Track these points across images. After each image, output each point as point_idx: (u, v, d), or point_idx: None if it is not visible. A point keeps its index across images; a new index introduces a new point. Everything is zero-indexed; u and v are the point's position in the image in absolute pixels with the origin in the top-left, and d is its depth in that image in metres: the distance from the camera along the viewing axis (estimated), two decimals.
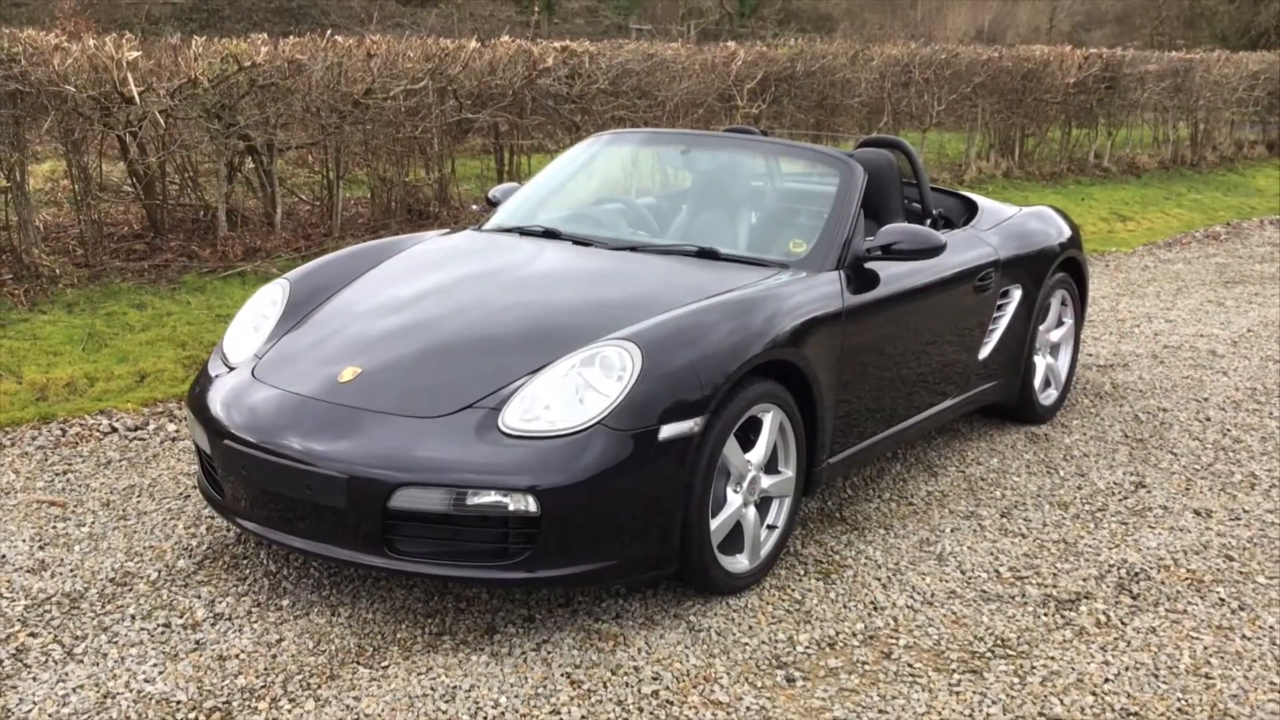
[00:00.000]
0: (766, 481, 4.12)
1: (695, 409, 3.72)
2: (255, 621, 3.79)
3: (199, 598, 3.93)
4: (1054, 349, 6.08)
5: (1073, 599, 4.14)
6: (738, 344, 3.88)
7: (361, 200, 9.43)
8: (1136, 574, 4.33)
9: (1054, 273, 5.81)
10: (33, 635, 3.68)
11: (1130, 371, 6.90)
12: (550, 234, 4.88)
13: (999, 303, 5.46)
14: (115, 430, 5.52)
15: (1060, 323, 6.10)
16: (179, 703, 3.34)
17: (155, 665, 3.52)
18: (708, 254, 4.60)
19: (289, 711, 3.32)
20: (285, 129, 8.56)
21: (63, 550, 4.26)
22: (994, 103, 13.52)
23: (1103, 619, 4.00)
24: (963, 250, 5.25)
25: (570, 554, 3.61)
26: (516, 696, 3.42)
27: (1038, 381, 5.87)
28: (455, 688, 3.45)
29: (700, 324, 3.92)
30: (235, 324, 4.45)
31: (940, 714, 3.43)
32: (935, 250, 4.63)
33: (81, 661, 3.54)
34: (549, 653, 3.66)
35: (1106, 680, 3.63)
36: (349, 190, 9.48)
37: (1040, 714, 3.45)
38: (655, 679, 3.55)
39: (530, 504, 3.52)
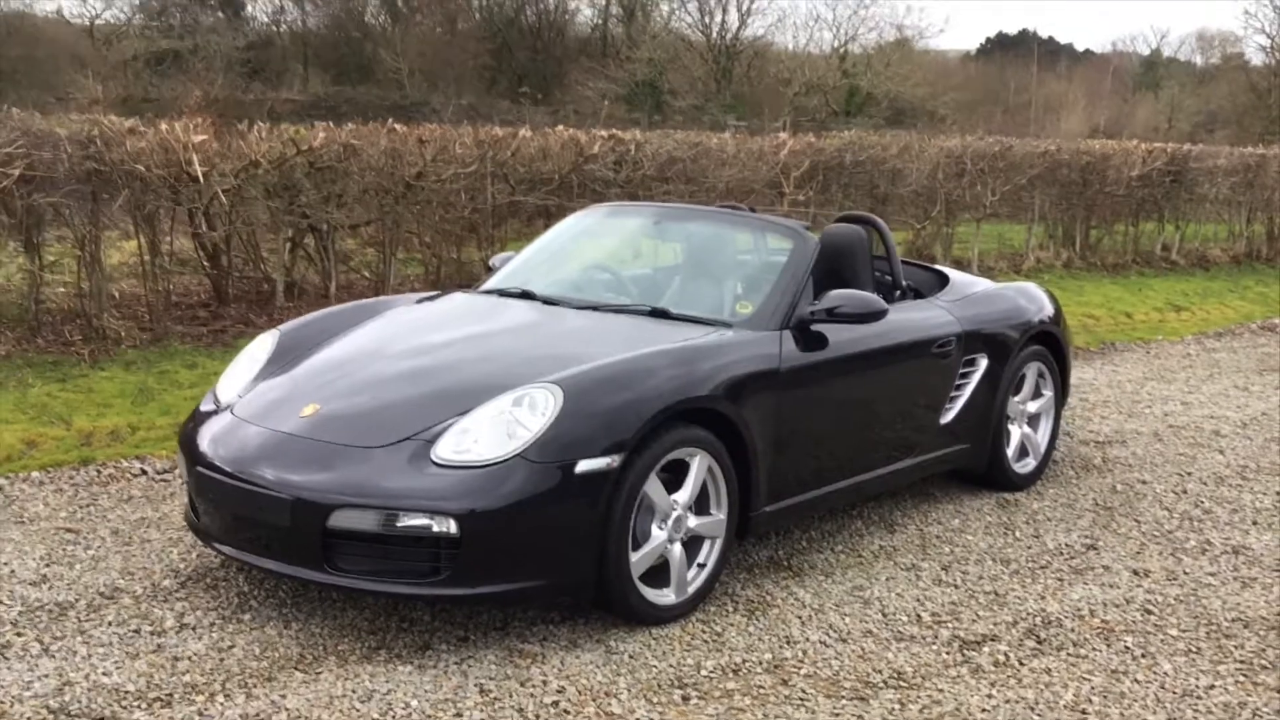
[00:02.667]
0: (694, 521, 4.44)
1: (613, 447, 4.07)
2: (214, 631, 4.20)
3: (172, 610, 4.37)
4: (1032, 420, 6.29)
5: (979, 640, 4.36)
6: (659, 391, 4.23)
7: (417, 276, 10.01)
8: (1050, 621, 4.54)
9: (1025, 345, 6.05)
10: (18, 634, 4.14)
11: (1126, 447, 7.05)
12: (526, 295, 5.32)
13: (962, 370, 5.72)
14: (145, 473, 6.04)
15: (1039, 394, 6.31)
16: (127, 692, 3.76)
17: (115, 662, 3.95)
18: (660, 313, 4.98)
19: (220, 703, 3.72)
20: (345, 208, 9.18)
21: (65, 568, 4.74)
22: (1053, 195, 13.73)
23: (1002, 659, 4.22)
24: (921, 319, 5.55)
25: (489, 575, 3.97)
26: (427, 700, 3.77)
27: (1011, 450, 6.09)
28: (374, 691, 3.82)
29: (625, 372, 4.29)
30: (230, 368, 4.95)
31: None
32: (876, 315, 4.95)
33: (54, 657, 3.98)
34: (469, 666, 4.01)
35: (984, 710, 3.85)
36: (407, 267, 10.08)
37: None
38: (560, 691, 3.87)
39: (451, 526, 3.90)
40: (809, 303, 4.99)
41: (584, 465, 4.02)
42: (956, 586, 4.86)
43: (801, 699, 3.89)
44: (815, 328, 4.98)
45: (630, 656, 4.13)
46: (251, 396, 4.61)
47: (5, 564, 4.76)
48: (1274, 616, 4.66)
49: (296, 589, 4.54)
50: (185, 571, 4.73)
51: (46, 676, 3.84)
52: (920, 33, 57.68)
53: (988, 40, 62.99)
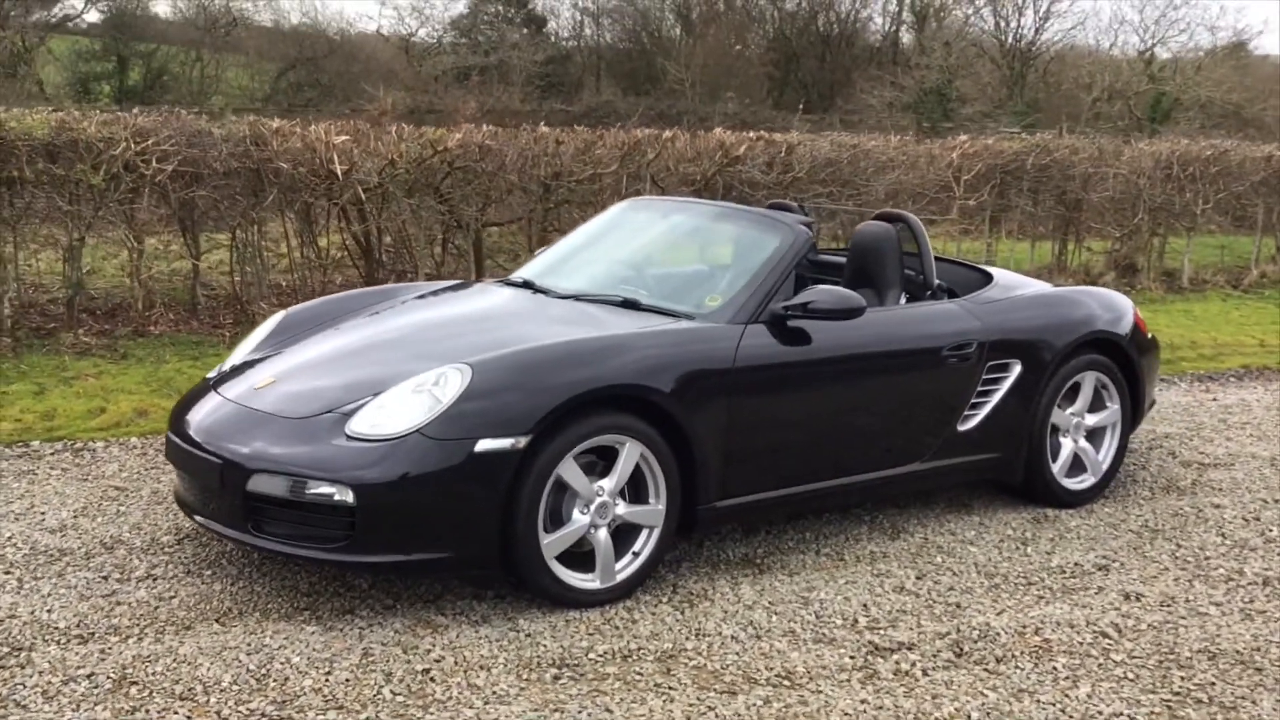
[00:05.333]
0: (624, 509, 4.47)
1: (518, 429, 4.17)
2: (168, 582, 4.56)
3: (148, 562, 4.75)
4: (1093, 434, 5.93)
5: (895, 648, 4.20)
6: (574, 377, 4.29)
7: None
8: (986, 636, 4.31)
9: (1075, 354, 5.72)
10: (7, 573, 4.61)
11: (1229, 471, 6.51)
12: (526, 285, 5.47)
13: (987, 376, 5.47)
14: None
15: (1104, 407, 5.94)
16: (56, 628, 4.15)
17: (64, 603, 4.35)
18: (630, 304, 5.03)
19: (127, 645, 4.04)
20: (492, 206, 9.59)
21: (89, 520, 5.22)
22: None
23: (904, 668, 4.05)
24: (933, 321, 5.35)
25: (389, 544, 4.15)
26: (307, 658, 3.98)
27: (1059, 464, 5.76)
28: (266, 645, 4.06)
29: (544, 358, 4.37)
30: (240, 344, 5.33)
31: (651, 717, 3.68)
32: (853, 312, 4.84)
33: (20, 593, 4.42)
34: (372, 631, 4.19)
35: (846, 715, 3.73)
36: None
37: None
38: (437, 661, 4.00)
39: (349, 496, 4.09)
40: (784, 298, 4.92)
41: (485, 444, 4.14)
42: (917, 596, 4.68)
43: (670, 688, 3.87)
44: (794, 324, 4.90)
45: (528, 635, 4.21)
46: (234, 369, 4.96)
47: (43, 513, 5.29)
48: (1249, 650, 4.27)
49: (267, 554, 4.83)
50: (186, 530, 5.11)
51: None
52: (1237, 34, 53.99)
53: None
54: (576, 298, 5.20)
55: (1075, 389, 5.83)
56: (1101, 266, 12.26)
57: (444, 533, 4.18)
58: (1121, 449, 6.02)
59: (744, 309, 4.86)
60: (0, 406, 6.94)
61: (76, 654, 3.97)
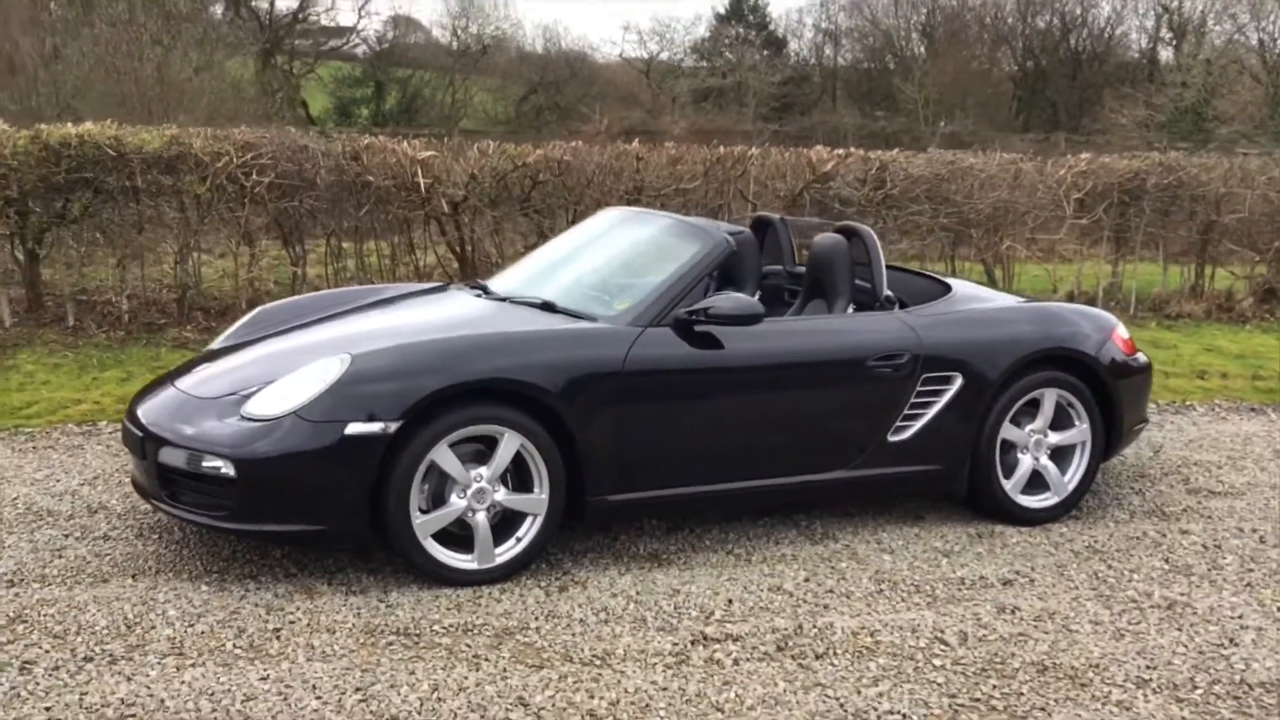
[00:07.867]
0: (504, 496, 4.77)
1: (388, 414, 4.53)
2: (114, 543, 5.12)
3: (112, 525, 5.34)
4: (1059, 452, 5.84)
5: (722, 639, 4.34)
6: (450, 370, 4.63)
7: None
8: (819, 634, 4.40)
9: (1028, 371, 5.65)
10: None
11: (1233, 500, 6.25)
12: (480, 288, 5.83)
13: (924, 388, 5.48)
14: None
15: (1070, 425, 5.84)
16: None
17: (15, 554, 4.96)
18: (548, 306, 5.31)
19: (45, 590, 4.60)
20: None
21: (90, 487, 5.87)
22: None
23: (718, 658, 4.20)
24: (859, 331, 5.42)
25: (266, 515, 4.58)
26: (181, 613, 4.44)
27: (1013, 480, 5.70)
28: (154, 600, 4.55)
29: (424, 350, 4.73)
30: (217, 337, 5.89)
31: (439, 684, 3.96)
32: (750, 318, 5.00)
33: None
34: (253, 594, 4.63)
35: (626, 693, 3.92)
36: None
37: (517, 701, 3.87)
38: (291, 622, 4.40)
39: (231, 469, 4.55)
40: (689, 304, 5.10)
41: (354, 428, 4.51)
42: (790, 595, 4.79)
43: (485, 660, 4.14)
44: (701, 329, 5.09)
45: (388, 605, 4.56)
46: (198, 359, 5.51)
47: (56, 480, 5.98)
48: (1086, 667, 4.21)
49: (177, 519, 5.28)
50: None
51: None
52: None
53: None
54: (510, 300, 5.53)
55: (1036, 405, 5.76)
56: (1244, 291, 11.68)
57: (317, 507, 4.58)
58: (1092, 469, 5.89)
59: (645, 313, 5.08)
60: (87, 390, 7.79)
61: None
